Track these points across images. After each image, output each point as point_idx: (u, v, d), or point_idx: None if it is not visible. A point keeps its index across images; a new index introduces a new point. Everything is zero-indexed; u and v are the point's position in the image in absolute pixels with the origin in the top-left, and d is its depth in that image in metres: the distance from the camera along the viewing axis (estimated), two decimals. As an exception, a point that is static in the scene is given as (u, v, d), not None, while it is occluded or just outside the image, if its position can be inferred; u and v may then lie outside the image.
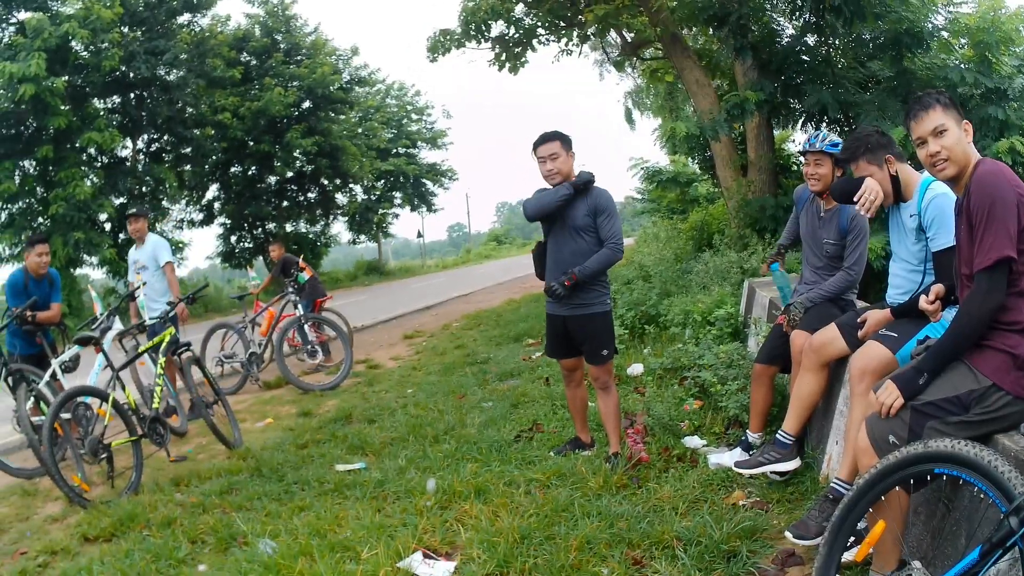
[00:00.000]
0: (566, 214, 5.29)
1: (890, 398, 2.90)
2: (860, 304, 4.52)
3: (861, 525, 3.23)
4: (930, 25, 11.50)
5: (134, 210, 8.81)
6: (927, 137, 3.01)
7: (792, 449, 4.57)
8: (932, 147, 3.00)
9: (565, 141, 5.31)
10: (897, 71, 11.78)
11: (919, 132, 3.02)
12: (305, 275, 10.59)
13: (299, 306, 10.21)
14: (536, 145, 5.35)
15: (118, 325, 7.65)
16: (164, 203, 27.88)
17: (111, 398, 6.13)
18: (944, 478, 2.60)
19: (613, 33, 17.60)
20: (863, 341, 4.01)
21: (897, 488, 2.72)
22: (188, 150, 27.69)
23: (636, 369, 8.07)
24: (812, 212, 5.11)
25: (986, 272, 2.71)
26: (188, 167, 28.90)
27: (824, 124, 12.39)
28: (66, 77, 21.34)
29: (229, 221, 32.18)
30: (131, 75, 23.62)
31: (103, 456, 6.00)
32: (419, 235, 49.97)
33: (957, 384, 2.79)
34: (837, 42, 12.81)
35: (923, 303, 3.26)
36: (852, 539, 3.27)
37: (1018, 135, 10.46)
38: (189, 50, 25.14)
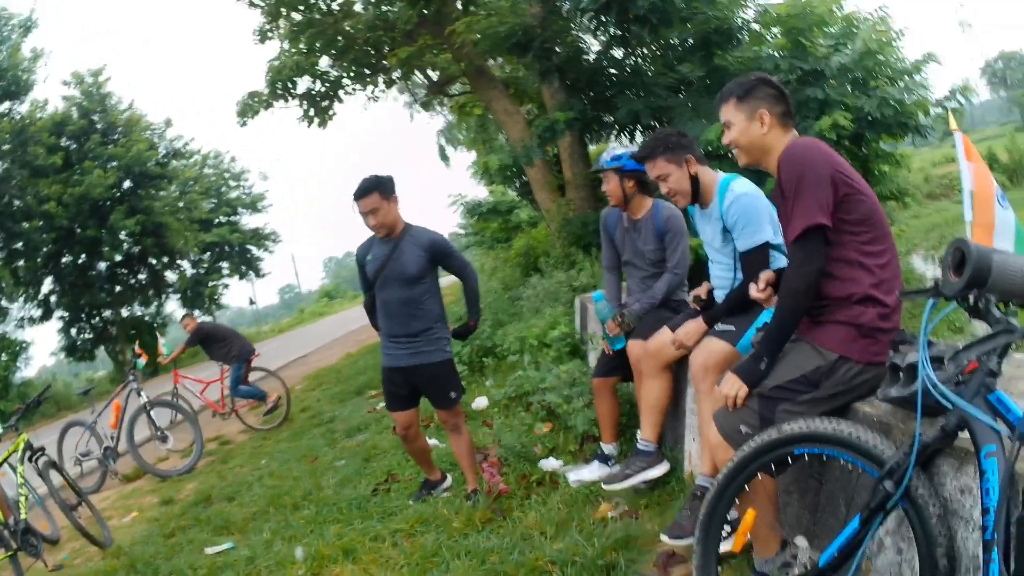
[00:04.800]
0: (388, 268, 5.08)
1: (733, 389, 2.87)
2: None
3: (734, 516, 3.24)
4: (739, 20, 11.82)
5: None
6: (724, 126, 3.09)
7: (656, 455, 4.57)
8: (725, 137, 3.08)
9: (384, 189, 4.97)
10: (708, 70, 11.92)
11: (723, 121, 3.09)
12: (142, 361, 10.15)
13: (142, 393, 9.83)
14: (355, 199, 4.99)
15: None
16: (3, 302, 26.85)
17: None
18: (806, 457, 2.59)
19: (419, 74, 17.71)
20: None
21: (759, 475, 2.70)
22: (19, 245, 26.65)
23: (481, 403, 7.98)
24: (624, 227, 5.08)
25: (798, 243, 2.71)
26: (22, 262, 27.71)
27: (639, 132, 12.61)
28: None
29: (67, 313, 31.06)
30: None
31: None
32: (251, 302, 48.73)
33: (802, 364, 2.78)
34: (645, 51, 13.03)
35: (753, 292, 3.21)
36: (728, 529, 3.28)
37: (839, 111, 10.66)
38: (10, 140, 24.09)
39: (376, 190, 4.96)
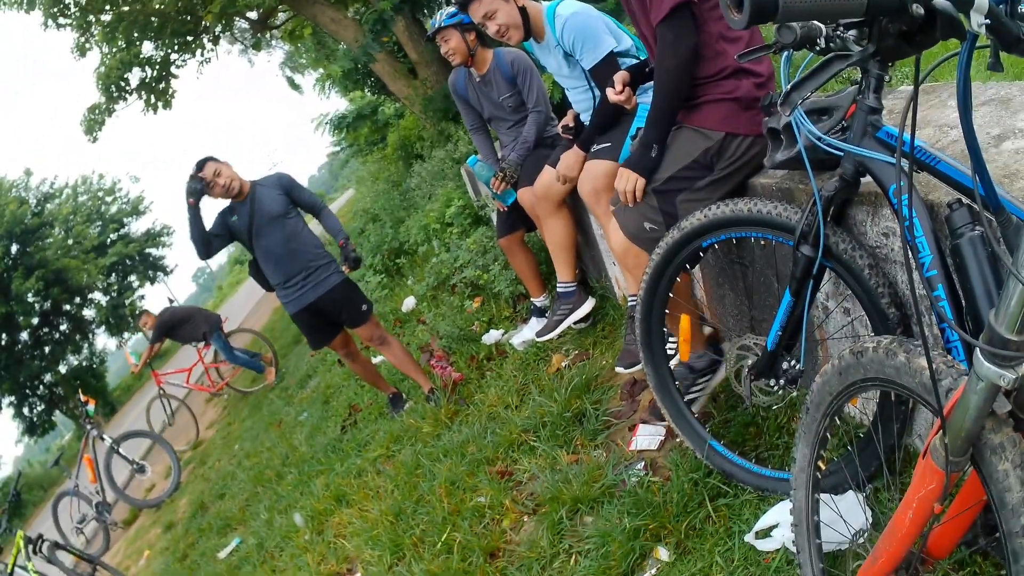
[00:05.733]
0: (254, 217, 5.12)
1: (629, 182, 2.74)
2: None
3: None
4: None
5: None
6: None
7: (577, 293, 4.54)
8: None
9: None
10: None
11: None
12: (91, 407, 9.85)
13: (104, 436, 9.57)
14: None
15: None
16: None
17: None
18: (716, 247, 2.53)
19: (239, 19, 17.07)
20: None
21: (678, 279, 2.64)
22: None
23: (409, 303, 7.93)
24: (475, 86, 4.96)
25: (666, 22, 2.54)
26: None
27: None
28: None
29: (12, 397, 30.51)
30: None
31: None
32: (171, 301, 47.95)
33: (689, 150, 2.67)
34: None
35: (612, 96, 3.03)
36: (671, 343, 3.27)
37: None
38: None
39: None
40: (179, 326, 10.97)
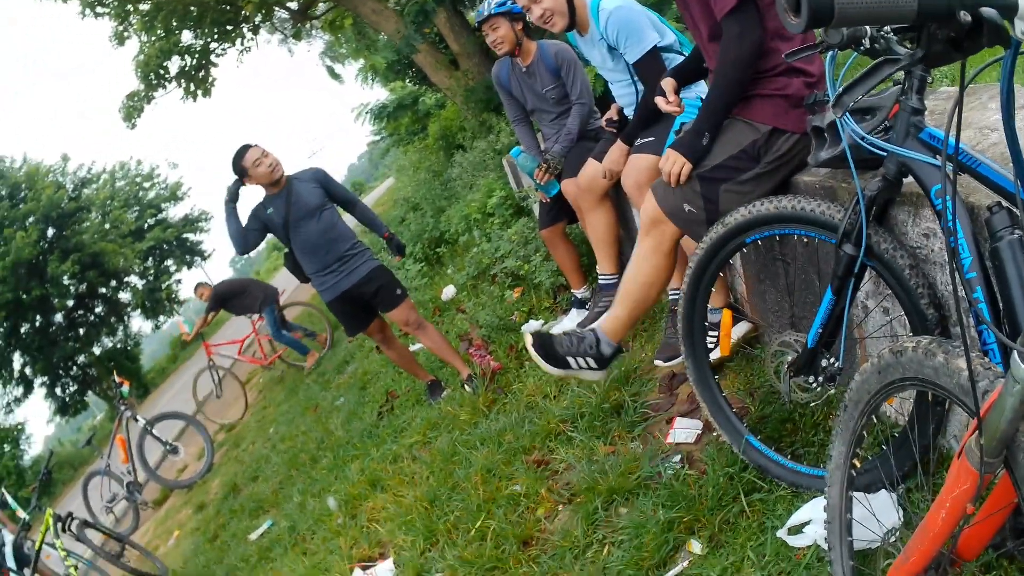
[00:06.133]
0: (291, 210, 5.23)
1: (676, 166, 2.74)
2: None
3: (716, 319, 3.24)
4: None
5: None
6: None
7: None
8: None
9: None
10: None
11: None
12: (126, 388, 10.04)
13: (138, 417, 9.76)
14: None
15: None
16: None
17: None
18: (759, 243, 2.54)
19: (279, 9, 17.26)
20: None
21: (720, 275, 2.66)
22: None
23: (449, 292, 7.94)
24: (518, 78, 4.96)
25: (733, 15, 2.54)
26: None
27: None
28: None
29: (46, 377, 31.31)
30: None
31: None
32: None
33: (739, 140, 2.68)
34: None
35: (663, 106, 3.06)
36: (712, 337, 3.28)
37: None
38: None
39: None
40: (234, 297, 11.05)
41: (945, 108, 2.39)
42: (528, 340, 3.14)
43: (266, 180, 5.20)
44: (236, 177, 5.20)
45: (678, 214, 2.80)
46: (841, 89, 1.91)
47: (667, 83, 3.05)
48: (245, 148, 5.21)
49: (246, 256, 5.89)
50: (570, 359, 3.08)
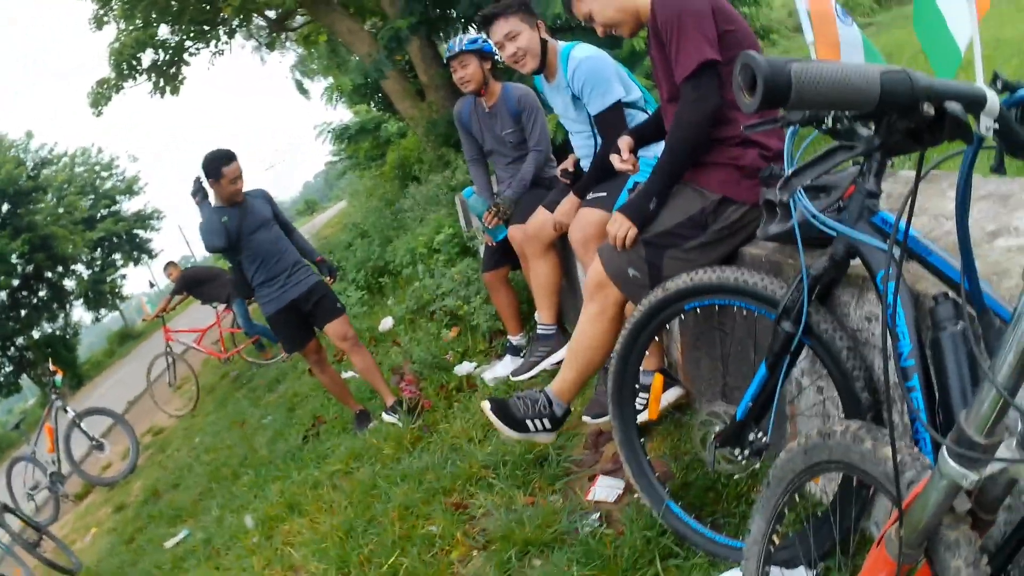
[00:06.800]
0: (246, 220, 5.32)
1: (622, 229, 2.73)
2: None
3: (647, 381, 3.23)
4: None
5: None
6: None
7: (557, 336, 4.54)
8: (579, 7, 2.88)
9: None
10: None
11: None
12: (59, 377, 9.82)
13: (68, 408, 9.61)
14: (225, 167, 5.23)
15: None
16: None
17: None
18: (698, 311, 2.53)
19: (257, 16, 17.12)
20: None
21: (656, 338, 2.65)
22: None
23: (387, 324, 7.87)
24: (480, 117, 4.97)
25: (691, 80, 2.54)
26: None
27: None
28: None
29: None
30: None
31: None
32: (151, 285, 47.92)
33: (686, 207, 2.68)
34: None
35: (617, 164, 3.05)
36: (641, 399, 3.27)
37: None
38: None
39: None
40: (204, 284, 10.90)
41: (903, 192, 2.42)
42: (486, 405, 3.12)
43: (231, 197, 5.29)
44: (205, 176, 5.21)
45: (622, 278, 2.80)
46: (790, 172, 1.91)
47: (623, 141, 3.05)
48: (231, 157, 5.27)
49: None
50: (527, 422, 3.10)
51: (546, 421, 3.10)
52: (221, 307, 11.01)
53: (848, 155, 1.70)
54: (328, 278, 5.82)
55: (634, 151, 3.05)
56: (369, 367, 5.54)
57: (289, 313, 5.50)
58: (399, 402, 5.31)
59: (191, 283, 10.89)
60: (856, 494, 2.07)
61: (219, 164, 5.20)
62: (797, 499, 1.93)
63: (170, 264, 11.56)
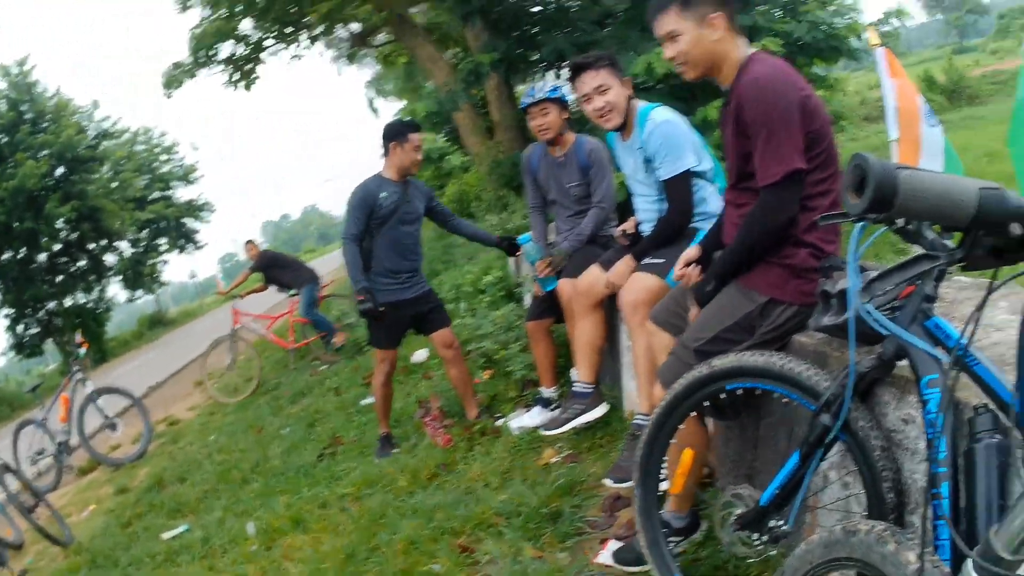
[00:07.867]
0: (402, 206, 5.38)
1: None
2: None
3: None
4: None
5: None
6: (664, 40, 2.81)
7: (593, 396, 4.50)
8: (669, 51, 2.80)
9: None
10: (633, 2, 11.36)
11: (657, 34, 2.85)
12: (84, 349, 10.04)
13: (87, 382, 9.67)
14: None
15: None
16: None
17: None
18: (739, 392, 2.50)
19: (342, 27, 17.33)
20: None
21: (693, 414, 2.63)
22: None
23: (420, 356, 7.88)
24: (548, 165, 4.95)
25: (773, 189, 2.50)
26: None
27: (565, 69, 12.35)
28: None
29: (12, 310, 30.64)
30: None
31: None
32: (192, 276, 48.62)
33: (733, 311, 2.67)
34: (567, -14, 12.57)
35: (677, 273, 3.09)
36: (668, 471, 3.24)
37: (769, 37, 10.23)
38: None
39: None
40: (281, 267, 10.97)
41: (955, 297, 2.42)
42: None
43: (407, 168, 5.38)
44: (389, 139, 5.33)
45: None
46: (875, 275, 1.90)
47: (690, 253, 3.07)
48: (417, 126, 5.50)
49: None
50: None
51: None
52: (294, 295, 10.95)
53: (931, 266, 1.71)
54: (511, 252, 5.78)
55: (703, 262, 3.02)
56: (464, 378, 5.59)
57: (398, 310, 5.43)
58: (480, 414, 5.47)
59: (269, 263, 10.93)
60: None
61: (408, 128, 5.33)
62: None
63: (249, 242, 11.54)
